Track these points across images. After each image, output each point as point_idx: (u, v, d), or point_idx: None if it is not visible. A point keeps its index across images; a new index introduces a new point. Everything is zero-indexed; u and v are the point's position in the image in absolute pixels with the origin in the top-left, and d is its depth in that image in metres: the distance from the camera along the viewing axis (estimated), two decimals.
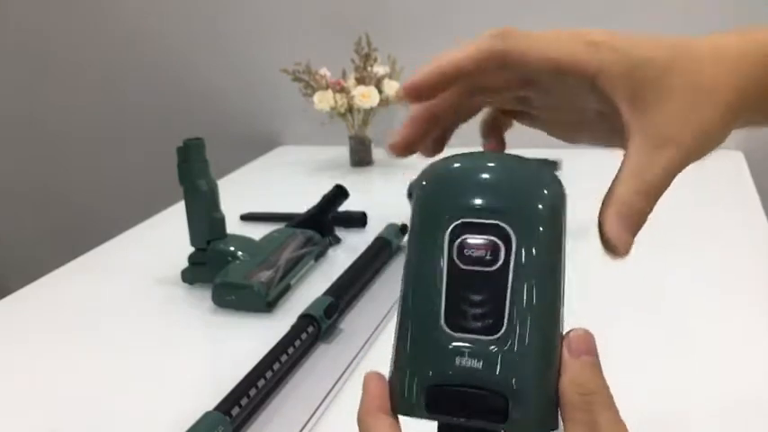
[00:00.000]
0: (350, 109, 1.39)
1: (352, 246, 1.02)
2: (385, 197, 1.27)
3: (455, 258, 0.32)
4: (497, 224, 0.32)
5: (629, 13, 1.37)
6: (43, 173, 1.88)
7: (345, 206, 1.06)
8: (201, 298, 0.88)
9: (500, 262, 0.31)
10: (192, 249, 0.91)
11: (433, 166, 0.35)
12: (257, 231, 0.98)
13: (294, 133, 1.66)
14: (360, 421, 0.32)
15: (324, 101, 1.35)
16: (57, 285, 0.98)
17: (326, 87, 1.37)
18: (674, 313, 0.79)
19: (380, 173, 1.40)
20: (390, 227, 0.99)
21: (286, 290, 0.88)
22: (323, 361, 0.74)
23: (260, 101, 1.64)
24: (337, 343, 0.77)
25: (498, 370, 0.31)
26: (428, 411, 0.31)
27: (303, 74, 1.38)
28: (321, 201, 1.04)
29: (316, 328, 0.75)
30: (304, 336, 0.73)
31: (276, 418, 0.65)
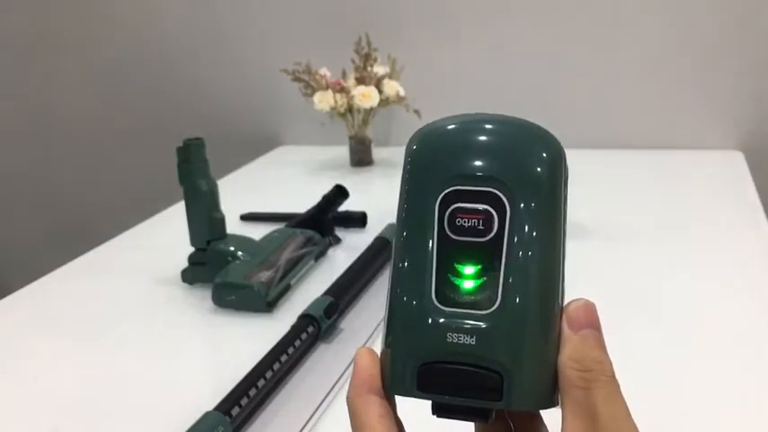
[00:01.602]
0: (350, 109, 1.38)
1: (352, 246, 1.02)
2: (385, 197, 1.27)
3: (446, 228, 0.30)
4: (490, 191, 0.30)
5: (629, 15, 1.37)
6: (43, 173, 1.88)
7: (345, 206, 1.06)
8: (201, 298, 0.88)
9: (494, 231, 0.30)
10: (192, 249, 0.91)
11: (425, 128, 0.32)
12: (257, 231, 0.98)
13: (294, 133, 1.66)
14: (349, 403, 0.31)
15: (324, 101, 1.35)
16: (57, 285, 0.98)
17: (326, 87, 1.36)
18: (674, 313, 0.79)
19: (380, 173, 1.40)
20: (390, 227, 0.99)
21: (286, 290, 0.88)
22: (323, 361, 0.74)
23: (260, 101, 1.64)
24: (337, 343, 0.77)
25: (492, 346, 0.29)
26: (419, 390, 0.30)
27: (303, 74, 1.38)
28: (321, 201, 1.04)
29: (316, 328, 0.75)
30: (304, 336, 0.73)
31: (276, 418, 0.65)
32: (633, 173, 1.31)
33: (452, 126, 0.32)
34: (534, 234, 0.30)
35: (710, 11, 1.32)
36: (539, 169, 0.30)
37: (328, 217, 1.03)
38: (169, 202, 1.20)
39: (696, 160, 1.34)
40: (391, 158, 1.45)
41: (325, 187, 1.06)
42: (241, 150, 1.58)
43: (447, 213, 0.30)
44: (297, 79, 1.38)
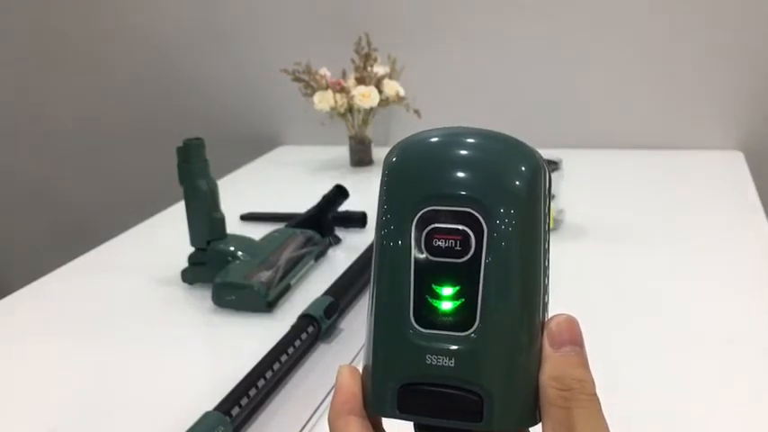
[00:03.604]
0: (350, 109, 1.38)
1: (352, 246, 1.02)
2: None
3: (423, 249, 0.30)
4: (468, 211, 0.29)
5: (630, 16, 1.37)
6: (43, 173, 1.88)
7: (345, 206, 1.06)
8: (201, 298, 0.88)
9: (471, 252, 0.29)
10: (192, 249, 0.91)
11: (404, 142, 0.32)
12: (257, 231, 0.98)
13: (294, 133, 1.66)
14: (330, 423, 0.31)
15: (324, 101, 1.35)
16: (57, 285, 0.98)
17: (326, 87, 1.36)
18: (674, 313, 0.79)
19: (380, 173, 1.40)
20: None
21: (286, 290, 0.88)
22: (323, 361, 0.74)
23: (260, 101, 1.64)
24: (337, 343, 0.77)
25: (471, 368, 0.29)
26: (400, 412, 0.30)
27: (303, 74, 1.38)
28: (321, 201, 1.04)
29: (316, 328, 0.75)
30: (304, 336, 0.73)
31: (276, 418, 0.65)
32: (633, 173, 1.31)
33: (431, 140, 0.31)
34: (513, 253, 0.29)
35: (711, 11, 1.32)
36: (517, 185, 0.30)
37: (328, 217, 1.03)
38: (169, 202, 1.20)
39: (696, 160, 1.34)
40: None
41: (325, 187, 1.06)
42: (241, 150, 1.58)
43: (424, 233, 0.30)
44: (297, 79, 1.38)
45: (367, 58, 1.37)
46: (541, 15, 1.41)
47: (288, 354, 0.70)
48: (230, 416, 0.60)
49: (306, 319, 0.76)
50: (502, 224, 0.29)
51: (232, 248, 0.90)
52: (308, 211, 1.04)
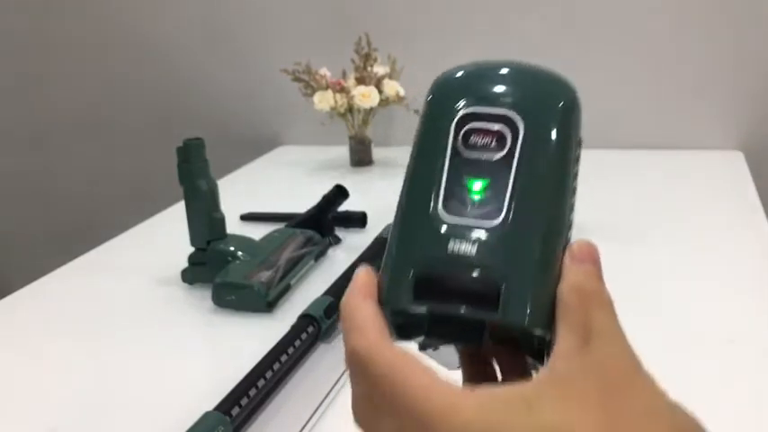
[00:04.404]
0: (350, 109, 1.38)
1: (352, 246, 1.02)
2: (385, 197, 1.26)
3: (459, 145, 0.32)
4: (506, 114, 0.31)
5: (630, 17, 1.37)
6: (43, 173, 1.88)
7: (345, 206, 1.06)
8: (201, 298, 0.88)
9: (505, 151, 0.31)
10: (192, 249, 0.91)
11: (449, 69, 0.35)
12: (257, 231, 0.98)
13: (294, 133, 1.66)
14: (343, 308, 0.31)
15: (324, 101, 1.35)
16: (57, 285, 0.98)
17: (326, 87, 1.36)
18: (674, 313, 0.79)
19: (380, 173, 1.40)
20: (390, 227, 0.99)
21: (286, 290, 0.88)
22: (323, 361, 0.74)
23: (260, 101, 1.64)
24: (337, 343, 0.77)
25: (492, 256, 0.30)
26: (415, 298, 0.30)
27: (303, 74, 1.38)
28: (321, 201, 1.04)
29: (316, 328, 0.75)
30: (304, 336, 0.73)
31: (276, 418, 0.65)
32: (633, 173, 1.31)
33: (478, 63, 0.34)
34: (544, 159, 0.31)
35: (711, 11, 1.32)
36: (557, 101, 0.32)
37: (328, 217, 1.03)
38: (169, 202, 1.20)
39: (696, 160, 1.34)
40: (391, 158, 1.45)
41: (325, 187, 1.06)
42: (241, 150, 1.58)
43: (462, 132, 0.32)
44: (297, 79, 1.38)
45: (367, 58, 1.37)
46: (541, 15, 1.41)
47: (288, 354, 0.70)
48: (230, 416, 0.60)
49: (306, 319, 0.76)
50: (538, 130, 0.31)
51: (232, 248, 0.90)
52: (308, 211, 1.04)
